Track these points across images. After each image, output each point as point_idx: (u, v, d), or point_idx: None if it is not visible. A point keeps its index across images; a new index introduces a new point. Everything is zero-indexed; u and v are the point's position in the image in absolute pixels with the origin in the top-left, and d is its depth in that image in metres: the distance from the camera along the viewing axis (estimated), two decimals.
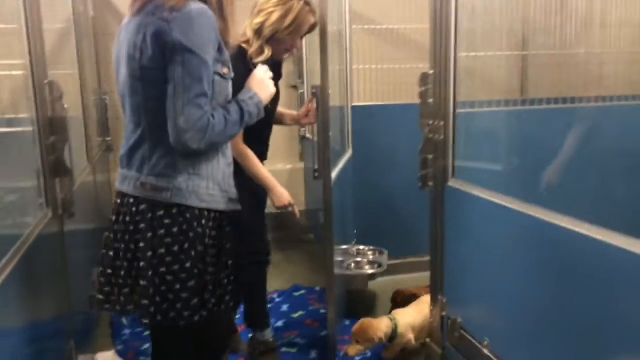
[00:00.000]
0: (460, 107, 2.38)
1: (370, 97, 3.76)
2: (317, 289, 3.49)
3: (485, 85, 3.01)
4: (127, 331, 2.88)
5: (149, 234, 1.50)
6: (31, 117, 1.94)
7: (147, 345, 2.73)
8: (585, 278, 1.65)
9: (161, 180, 1.50)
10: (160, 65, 1.45)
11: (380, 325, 2.55)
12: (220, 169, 1.62)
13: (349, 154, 3.49)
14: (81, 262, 2.58)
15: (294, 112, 2.81)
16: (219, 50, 1.53)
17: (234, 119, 1.55)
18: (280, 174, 4.60)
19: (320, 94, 2.46)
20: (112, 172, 3.63)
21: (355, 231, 3.60)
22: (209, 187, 1.58)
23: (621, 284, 1.50)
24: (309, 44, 3.64)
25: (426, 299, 2.67)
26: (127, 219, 1.53)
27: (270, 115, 2.60)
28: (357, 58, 3.69)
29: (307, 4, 2.38)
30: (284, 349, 2.73)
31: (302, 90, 4.19)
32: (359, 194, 3.56)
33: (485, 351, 2.12)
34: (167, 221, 1.51)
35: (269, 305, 3.20)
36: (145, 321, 1.53)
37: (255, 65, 1.96)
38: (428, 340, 2.55)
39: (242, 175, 2.27)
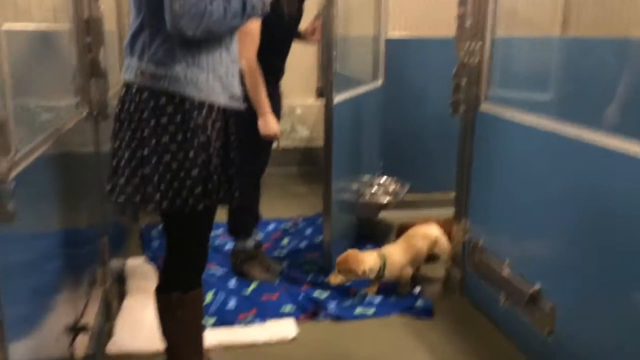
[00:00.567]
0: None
1: (406, 27, 3.68)
2: None
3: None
4: (156, 242, 2.98)
5: (152, 122, 1.52)
6: (68, 17, 1.97)
7: None
8: (617, 195, 1.64)
9: (160, 68, 1.50)
10: None
11: (366, 259, 2.46)
12: (223, 63, 1.59)
13: (377, 83, 3.45)
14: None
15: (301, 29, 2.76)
16: None
17: (235, 8, 1.50)
18: (295, 110, 4.61)
19: (326, 15, 2.46)
20: None
21: (382, 163, 3.60)
22: (209, 78, 1.55)
23: None
24: None
25: (417, 232, 2.66)
26: (132, 108, 1.54)
27: (293, 29, 2.58)
28: None
29: None
30: (306, 267, 2.79)
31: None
32: (389, 127, 3.55)
33: (506, 271, 2.15)
34: (169, 110, 1.51)
35: (290, 229, 3.30)
36: (151, 208, 1.54)
37: None
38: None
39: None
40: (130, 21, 1.58)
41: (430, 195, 3.61)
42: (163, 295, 1.72)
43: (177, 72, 1.51)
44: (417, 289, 2.56)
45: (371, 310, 2.40)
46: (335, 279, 2.46)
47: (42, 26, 1.86)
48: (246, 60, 2.29)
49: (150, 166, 1.53)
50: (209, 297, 2.42)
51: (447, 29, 2.57)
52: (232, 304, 2.40)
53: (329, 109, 2.56)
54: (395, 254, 2.56)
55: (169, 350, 1.79)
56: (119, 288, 2.49)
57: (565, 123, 1.87)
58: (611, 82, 2.49)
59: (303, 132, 4.71)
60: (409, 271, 2.55)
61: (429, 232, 2.66)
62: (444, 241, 2.67)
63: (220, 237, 3.05)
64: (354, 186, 3.18)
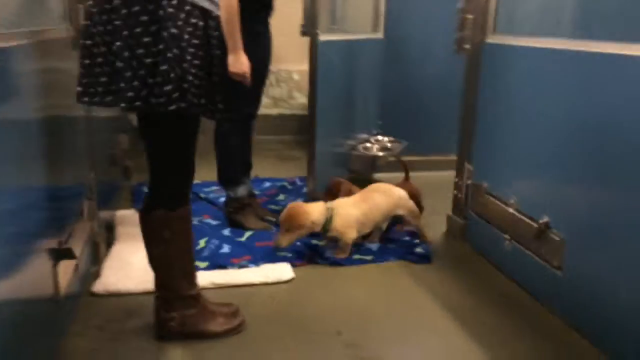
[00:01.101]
0: None
1: None
2: None
3: None
4: None
5: (124, 11, 1.41)
6: None
7: None
8: (626, 113, 1.55)
9: None
10: None
11: (310, 210, 2.22)
12: None
13: (376, 35, 3.36)
14: (103, 124, 2.56)
15: None
16: None
17: None
18: (292, 76, 4.51)
19: None
20: None
21: (381, 122, 3.51)
22: None
23: None
24: None
25: (377, 187, 2.40)
26: (105, 4, 1.43)
27: None
28: None
29: None
30: None
31: None
32: (389, 85, 3.45)
33: (511, 210, 2.07)
34: None
35: (288, 187, 3.23)
36: (124, 106, 1.43)
37: None
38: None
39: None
40: None
41: (429, 157, 3.53)
42: (148, 216, 1.62)
43: None
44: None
45: (369, 257, 2.32)
46: (284, 239, 2.20)
47: None
48: None
49: (123, 60, 1.42)
50: (201, 243, 2.33)
51: None
52: (226, 249, 2.31)
53: (313, 46, 2.45)
54: (345, 207, 2.28)
55: (158, 279, 1.68)
56: (107, 235, 2.40)
57: (576, 41, 1.77)
58: None
59: (300, 99, 4.61)
60: (351, 233, 2.25)
61: (391, 189, 2.39)
62: (410, 203, 2.39)
63: (216, 192, 2.96)
64: (349, 142, 3.10)
